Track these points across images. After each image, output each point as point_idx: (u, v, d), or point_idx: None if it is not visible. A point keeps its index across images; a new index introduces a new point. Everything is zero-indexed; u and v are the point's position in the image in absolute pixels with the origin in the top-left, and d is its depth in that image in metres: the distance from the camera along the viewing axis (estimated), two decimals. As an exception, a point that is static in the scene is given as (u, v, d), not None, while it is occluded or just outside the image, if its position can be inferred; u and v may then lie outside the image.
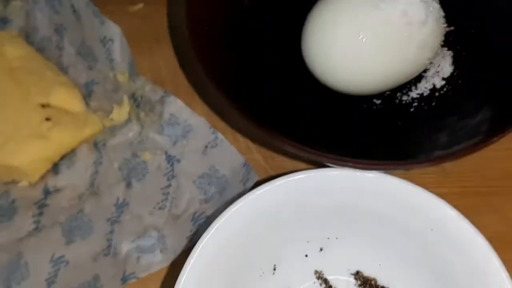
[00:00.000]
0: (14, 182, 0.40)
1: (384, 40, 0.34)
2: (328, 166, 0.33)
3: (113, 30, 0.41)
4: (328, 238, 0.35)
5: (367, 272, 0.35)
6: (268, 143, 0.40)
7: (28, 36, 0.45)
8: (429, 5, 0.34)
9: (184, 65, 0.44)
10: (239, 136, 0.41)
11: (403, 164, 0.30)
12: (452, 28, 0.38)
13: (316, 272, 0.35)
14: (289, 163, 0.40)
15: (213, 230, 0.32)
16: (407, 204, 0.32)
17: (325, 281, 0.35)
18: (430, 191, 0.32)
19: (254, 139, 0.41)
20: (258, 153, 0.40)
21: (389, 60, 0.35)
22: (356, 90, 0.37)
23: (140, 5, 0.47)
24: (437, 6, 0.35)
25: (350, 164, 0.30)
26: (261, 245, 0.34)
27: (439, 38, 0.36)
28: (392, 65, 0.35)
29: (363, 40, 0.34)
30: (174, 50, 0.45)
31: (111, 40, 0.41)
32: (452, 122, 0.36)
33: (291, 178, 0.33)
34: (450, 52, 0.39)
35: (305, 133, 0.36)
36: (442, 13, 0.36)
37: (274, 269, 0.35)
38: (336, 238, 0.35)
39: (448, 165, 0.38)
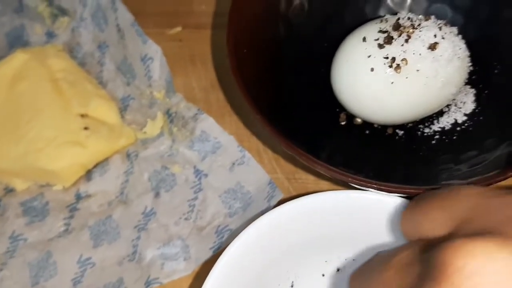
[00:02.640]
0: (49, 185, 0.42)
1: (410, 75, 0.35)
2: (351, 188, 0.34)
3: (154, 49, 0.43)
4: (346, 259, 0.36)
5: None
6: (292, 166, 0.42)
7: (71, 50, 0.48)
8: (456, 44, 0.36)
9: (216, 86, 0.46)
10: (264, 156, 0.43)
11: (426, 190, 0.31)
12: (476, 67, 0.40)
13: (332, 291, 0.36)
14: (311, 184, 0.41)
15: (237, 243, 0.33)
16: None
17: (341, 301, 0.36)
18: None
19: (278, 161, 0.42)
20: (282, 174, 0.42)
21: (414, 95, 0.36)
22: (380, 120, 0.39)
23: (178, 29, 0.49)
24: (463, 45, 0.37)
25: (374, 186, 0.31)
26: (280, 262, 0.35)
27: (463, 76, 0.37)
28: (417, 99, 0.36)
29: (390, 74, 0.35)
30: (208, 72, 0.47)
31: (151, 58, 0.44)
32: (472, 156, 0.37)
33: (314, 197, 0.34)
34: (473, 90, 0.40)
35: (328, 155, 0.38)
36: (468, 53, 0.37)
37: (292, 286, 0.36)
38: (353, 260, 0.36)
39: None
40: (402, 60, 0.35)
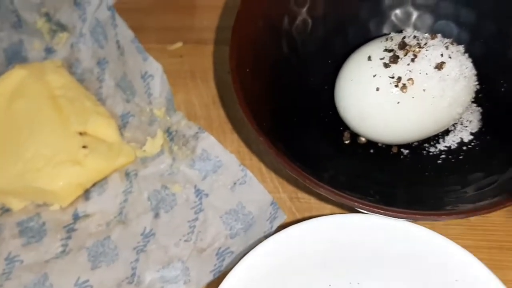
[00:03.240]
0: (46, 205, 0.42)
1: (417, 95, 0.35)
2: (355, 211, 0.34)
3: (155, 66, 0.43)
4: (350, 283, 0.35)
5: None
6: (294, 185, 0.41)
7: (71, 66, 0.47)
8: (462, 63, 0.35)
9: (217, 103, 0.45)
10: (266, 175, 0.42)
11: (433, 215, 0.31)
12: (482, 85, 0.39)
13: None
14: (314, 204, 0.40)
15: (240, 267, 0.32)
16: (433, 254, 0.32)
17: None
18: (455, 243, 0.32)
19: (280, 180, 0.42)
20: (284, 193, 0.41)
21: (420, 115, 0.35)
22: (385, 140, 0.38)
23: (179, 44, 0.49)
24: (470, 64, 0.36)
25: (381, 211, 0.30)
26: (284, 285, 0.34)
27: (470, 95, 0.36)
28: (423, 119, 0.36)
29: (396, 93, 0.35)
30: (209, 88, 0.46)
31: (151, 76, 0.43)
32: (479, 178, 0.36)
33: (318, 221, 0.33)
34: (479, 108, 0.40)
35: (332, 176, 0.37)
36: (474, 72, 0.37)
37: (295, 310, 0.35)
38: (358, 283, 0.35)
39: (473, 217, 0.39)
40: (409, 79, 0.34)
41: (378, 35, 0.41)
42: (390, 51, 0.35)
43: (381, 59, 0.35)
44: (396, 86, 0.34)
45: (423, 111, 0.35)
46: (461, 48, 0.36)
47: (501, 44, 0.39)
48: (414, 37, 0.36)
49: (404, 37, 0.35)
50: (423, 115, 0.35)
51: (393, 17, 0.42)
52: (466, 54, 0.36)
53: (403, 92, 0.34)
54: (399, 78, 0.34)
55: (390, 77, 0.34)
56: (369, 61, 0.35)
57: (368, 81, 0.35)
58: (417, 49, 0.34)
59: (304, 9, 0.40)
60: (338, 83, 0.37)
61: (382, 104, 0.35)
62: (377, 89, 0.35)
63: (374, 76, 0.35)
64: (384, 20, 0.42)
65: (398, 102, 0.35)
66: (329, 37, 0.42)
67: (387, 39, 0.36)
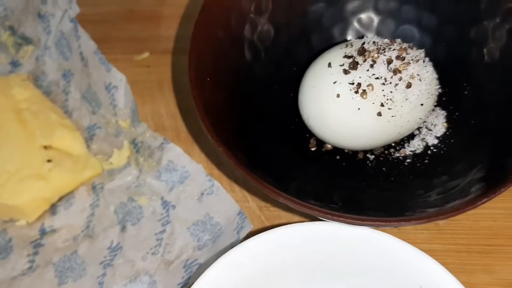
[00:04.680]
0: (12, 220, 0.41)
1: (377, 101, 0.34)
2: (321, 220, 0.33)
3: (118, 77, 0.42)
4: (317, 291, 0.35)
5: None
6: (263, 194, 0.41)
7: (36, 79, 0.47)
8: (422, 68, 0.35)
9: (184, 113, 0.45)
10: (235, 185, 0.42)
11: (394, 221, 0.30)
12: (446, 89, 0.39)
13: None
14: (284, 213, 0.40)
15: (205, 279, 0.32)
16: (397, 261, 0.32)
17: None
18: (422, 247, 0.32)
19: (249, 189, 0.41)
20: (253, 202, 0.41)
21: (382, 120, 0.35)
22: (350, 146, 0.38)
23: (146, 54, 0.48)
24: (430, 68, 0.36)
25: (342, 219, 0.30)
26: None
27: (431, 99, 0.36)
28: (385, 125, 0.35)
29: (357, 99, 0.35)
30: (176, 98, 0.46)
31: (115, 87, 0.43)
32: (445, 181, 0.36)
33: (283, 230, 0.33)
34: (443, 111, 0.40)
35: (298, 184, 0.37)
36: (436, 75, 0.37)
37: (263, 320, 0.35)
38: (326, 291, 0.35)
39: (441, 222, 0.39)
40: (368, 85, 0.34)
41: (342, 41, 0.41)
42: (349, 57, 0.35)
43: (341, 65, 0.35)
44: (356, 92, 0.34)
45: (385, 117, 0.35)
46: (421, 52, 0.36)
47: (463, 47, 0.40)
48: (374, 42, 0.35)
49: (363, 43, 0.35)
50: (385, 121, 0.35)
51: (355, 23, 0.42)
52: (427, 58, 0.36)
53: (363, 98, 0.34)
54: (359, 84, 0.34)
55: (350, 84, 0.34)
56: (330, 68, 0.35)
57: (329, 88, 0.35)
58: (376, 55, 0.34)
59: (265, 17, 0.40)
60: (301, 90, 0.37)
61: (343, 110, 0.35)
62: (338, 95, 0.35)
63: (335, 83, 0.35)
64: (347, 26, 0.42)
65: (359, 108, 0.34)
66: (293, 44, 0.41)
67: (347, 45, 0.36)
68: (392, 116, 0.35)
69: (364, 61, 0.34)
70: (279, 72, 0.41)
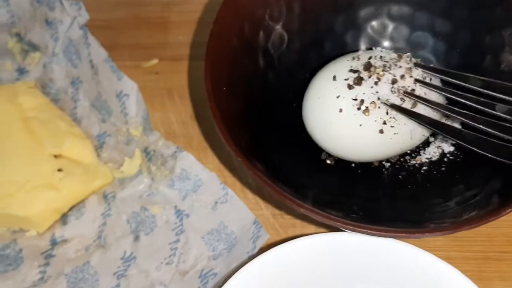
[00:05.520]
0: (22, 231, 0.40)
1: (379, 119, 0.34)
2: (339, 229, 0.33)
3: (130, 85, 0.42)
4: (336, 301, 0.35)
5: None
6: (277, 202, 0.40)
7: (44, 86, 0.46)
8: (427, 89, 0.35)
9: (196, 120, 0.45)
10: (248, 192, 0.41)
11: (418, 232, 0.30)
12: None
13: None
14: (298, 221, 0.40)
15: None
16: (416, 269, 0.32)
17: None
18: (440, 255, 0.32)
19: (263, 196, 0.41)
20: (267, 210, 0.41)
21: (384, 137, 0.35)
22: (351, 158, 0.38)
23: (154, 61, 0.48)
24: (438, 82, 0.36)
25: (367, 230, 0.30)
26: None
27: (437, 117, 0.36)
28: (388, 141, 0.35)
29: (359, 116, 0.34)
30: (186, 105, 0.46)
31: (126, 95, 0.42)
32: (462, 190, 0.36)
33: (302, 242, 0.33)
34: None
35: (315, 193, 0.36)
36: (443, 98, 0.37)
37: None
38: (344, 301, 0.35)
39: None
40: (371, 103, 0.34)
41: (355, 49, 0.41)
42: (355, 71, 0.35)
43: (346, 79, 0.35)
44: (359, 109, 0.34)
45: (387, 134, 0.35)
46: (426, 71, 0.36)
47: (477, 53, 0.39)
48: (381, 57, 0.35)
49: (370, 57, 0.35)
50: (387, 138, 0.35)
51: (369, 30, 0.42)
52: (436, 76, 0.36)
53: (365, 115, 0.34)
54: (362, 101, 0.34)
55: (353, 99, 0.34)
56: (334, 81, 0.35)
57: (332, 102, 0.35)
58: (381, 73, 0.34)
59: (280, 24, 0.40)
60: (305, 101, 0.37)
61: (345, 125, 0.35)
62: (340, 110, 0.34)
63: (338, 97, 0.35)
64: (360, 33, 0.42)
65: (361, 125, 0.34)
66: (306, 51, 0.41)
67: (353, 58, 0.36)
68: (395, 133, 0.35)
69: (369, 77, 0.34)
70: (292, 79, 0.41)
